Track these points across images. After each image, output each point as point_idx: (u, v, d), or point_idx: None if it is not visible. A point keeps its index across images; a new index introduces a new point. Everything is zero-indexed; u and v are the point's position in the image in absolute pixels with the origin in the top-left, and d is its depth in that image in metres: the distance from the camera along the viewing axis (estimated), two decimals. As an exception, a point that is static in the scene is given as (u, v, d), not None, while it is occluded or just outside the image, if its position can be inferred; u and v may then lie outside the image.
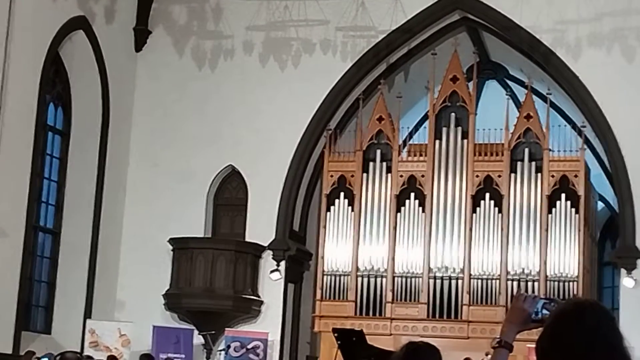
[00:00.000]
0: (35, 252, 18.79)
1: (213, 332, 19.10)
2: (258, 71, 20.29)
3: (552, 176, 18.69)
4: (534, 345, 2.86)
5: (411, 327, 18.66)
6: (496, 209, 18.82)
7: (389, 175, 19.42)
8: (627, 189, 18.53)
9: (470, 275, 18.71)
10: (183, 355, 18.58)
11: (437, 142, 19.33)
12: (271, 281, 19.68)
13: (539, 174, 18.76)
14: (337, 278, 19.27)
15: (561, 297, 17.16)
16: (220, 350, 18.87)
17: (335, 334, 14.47)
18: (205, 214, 20.33)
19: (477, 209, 18.89)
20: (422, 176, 19.27)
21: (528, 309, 3.35)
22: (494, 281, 18.62)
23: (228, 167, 20.44)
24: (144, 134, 20.64)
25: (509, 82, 22.12)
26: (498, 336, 3.39)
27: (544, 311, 3.31)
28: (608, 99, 18.66)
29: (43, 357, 13.03)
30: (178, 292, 19.60)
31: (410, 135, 20.79)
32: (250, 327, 19.50)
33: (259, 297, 19.71)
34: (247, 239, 19.94)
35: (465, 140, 19.22)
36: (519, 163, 18.91)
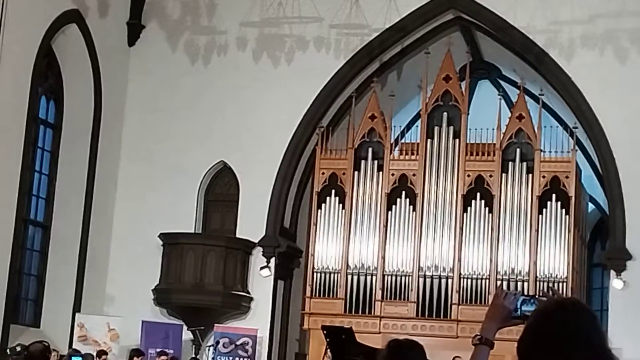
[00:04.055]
0: (25, 246, 18.76)
1: (202, 327, 19.09)
2: (251, 67, 20.28)
3: (543, 177, 18.71)
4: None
5: (400, 326, 18.66)
6: (487, 208, 18.84)
7: (381, 173, 19.42)
8: (617, 191, 18.55)
9: (460, 274, 18.72)
10: (172, 351, 18.55)
11: (429, 141, 19.34)
12: (261, 278, 19.67)
13: (530, 175, 18.78)
14: (327, 275, 19.27)
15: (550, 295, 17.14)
16: (209, 346, 18.86)
17: (325, 332, 14.47)
18: (196, 209, 20.32)
19: (468, 208, 18.91)
20: (414, 175, 19.27)
21: (508, 306, 3.35)
22: (483, 281, 18.64)
23: (220, 163, 20.42)
24: (136, 128, 20.62)
25: (502, 82, 22.15)
26: (479, 333, 3.39)
27: (524, 308, 3.31)
28: (600, 100, 18.69)
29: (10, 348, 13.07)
30: (168, 288, 19.58)
31: (402, 133, 20.79)
32: (240, 323, 19.49)
33: (248, 293, 19.70)
34: (238, 235, 19.93)
35: (457, 140, 19.23)
36: (510, 163, 18.93)
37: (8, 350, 12.53)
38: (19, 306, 18.72)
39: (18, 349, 12.57)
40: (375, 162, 19.53)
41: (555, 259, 18.40)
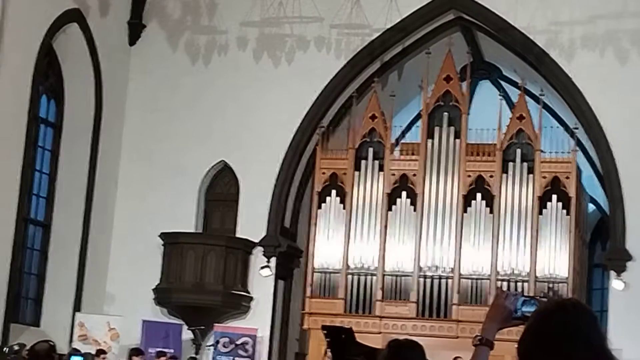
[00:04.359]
0: (25, 245, 18.75)
1: (202, 327, 19.09)
2: (251, 67, 20.28)
3: (544, 177, 18.71)
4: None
5: (400, 326, 18.66)
6: (487, 209, 18.84)
7: (381, 173, 19.43)
8: (618, 191, 18.56)
9: (460, 274, 18.72)
10: (171, 350, 18.56)
11: (430, 141, 19.34)
12: (261, 277, 19.66)
13: (531, 175, 18.78)
14: (327, 275, 19.27)
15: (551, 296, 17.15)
16: (209, 346, 18.86)
17: (325, 332, 14.47)
18: (196, 209, 20.32)
19: (468, 208, 18.91)
20: (414, 175, 19.27)
21: (509, 307, 3.36)
22: (484, 281, 18.64)
23: (220, 163, 20.43)
24: (137, 128, 20.62)
25: (502, 83, 22.15)
26: (479, 334, 3.39)
27: (525, 308, 3.31)
28: (601, 101, 18.69)
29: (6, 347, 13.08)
30: (168, 287, 19.59)
31: (403, 134, 20.82)
32: (240, 323, 19.49)
33: (248, 293, 19.70)
34: (238, 235, 19.93)
35: (457, 140, 19.24)
36: (510, 163, 18.94)
37: (5, 349, 12.52)
38: (19, 305, 18.71)
39: (16, 347, 12.58)
40: (376, 162, 19.53)
41: (555, 260, 18.41)
